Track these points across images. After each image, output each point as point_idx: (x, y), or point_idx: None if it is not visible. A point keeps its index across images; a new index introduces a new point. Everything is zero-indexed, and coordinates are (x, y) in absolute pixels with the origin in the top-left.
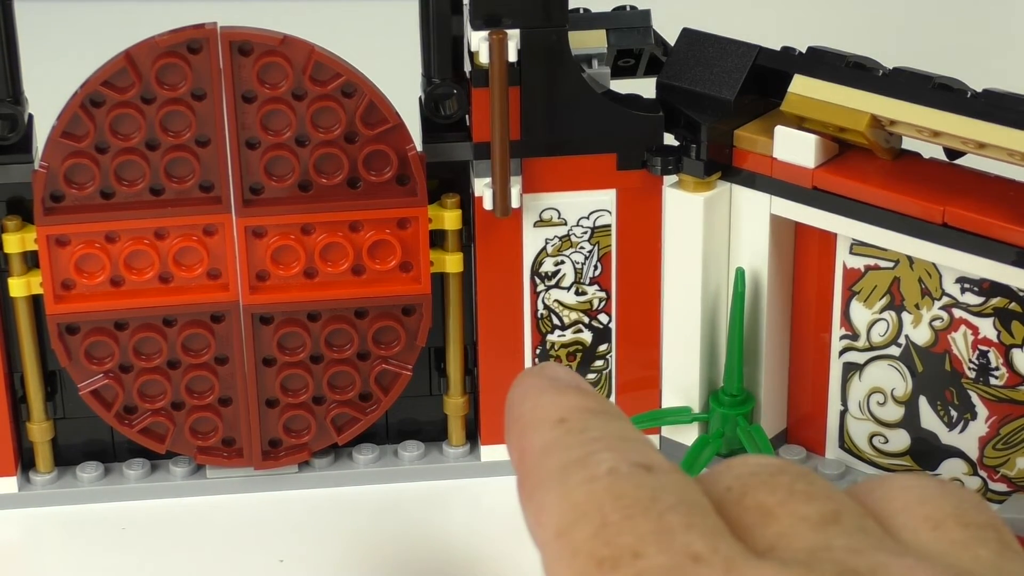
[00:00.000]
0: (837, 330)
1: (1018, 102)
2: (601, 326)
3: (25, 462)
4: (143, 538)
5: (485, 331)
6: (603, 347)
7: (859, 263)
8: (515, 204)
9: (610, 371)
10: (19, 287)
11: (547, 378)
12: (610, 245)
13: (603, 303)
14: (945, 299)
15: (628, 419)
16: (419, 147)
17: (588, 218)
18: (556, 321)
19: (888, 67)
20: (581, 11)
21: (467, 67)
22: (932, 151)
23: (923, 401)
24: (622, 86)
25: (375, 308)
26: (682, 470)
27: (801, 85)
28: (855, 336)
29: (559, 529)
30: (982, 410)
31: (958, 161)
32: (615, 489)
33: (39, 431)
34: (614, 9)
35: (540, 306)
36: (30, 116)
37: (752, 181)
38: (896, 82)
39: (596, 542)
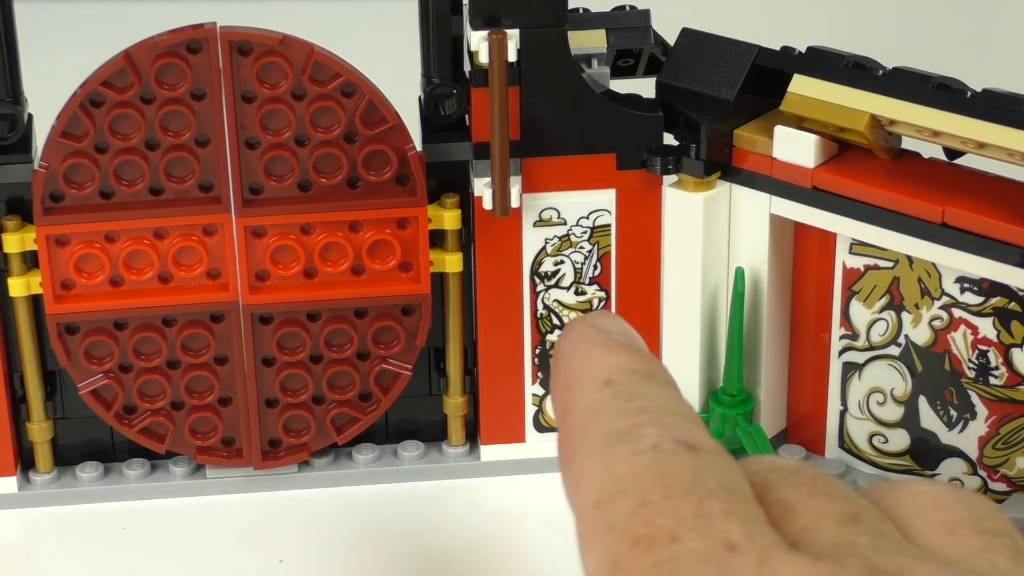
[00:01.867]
0: (837, 330)
1: (1018, 102)
2: None
3: (25, 462)
4: (143, 538)
5: (485, 331)
6: None
7: (859, 263)
8: (515, 204)
9: None
10: (19, 287)
11: (599, 330)
12: (610, 245)
13: (603, 303)
14: (945, 299)
15: (676, 386)
16: (419, 147)
17: (588, 218)
18: (556, 321)
19: (888, 67)
20: (581, 11)
21: (467, 67)
22: (932, 151)
23: (923, 401)
24: (622, 86)
25: (375, 308)
26: (725, 451)
27: (801, 85)
28: (855, 336)
29: (597, 500)
30: (982, 410)
31: (958, 161)
32: (658, 467)
33: (39, 431)
34: (614, 9)
35: (540, 306)
36: (30, 116)
37: (752, 181)
38: (896, 82)
39: (634, 519)
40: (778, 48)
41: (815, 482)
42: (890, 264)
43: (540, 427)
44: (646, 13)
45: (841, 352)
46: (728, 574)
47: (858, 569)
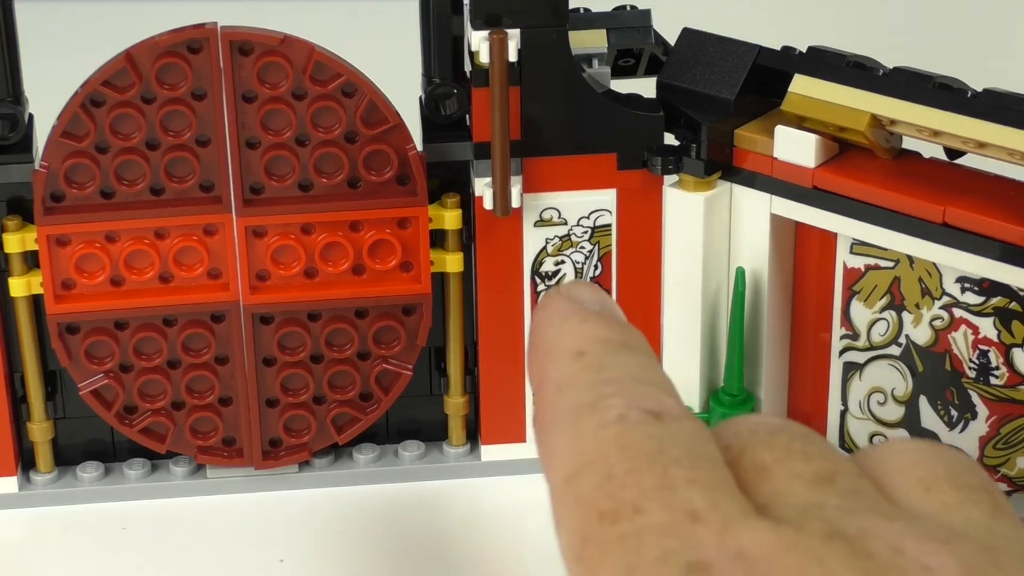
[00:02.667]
0: (837, 330)
1: (1018, 101)
2: None
3: (25, 462)
4: (143, 538)
5: (485, 331)
6: None
7: (859, 263)
8: (515, 204)
9: None
10: (19, 287)
11: (572, 300)
12: (610, 245)
13: None
14: (945, 299)
15: (650, 353)
16: (419, 147)
17: (588, 218)
18: None
19: (888, 67)
20: (581, 11)
21: (467, 67)
22: (932, 151)
23: (923, 401)
24: (622, 86)
25: (375, 308)
26: (694, 417)
27: (801, 85)
28: (855, 336)
29: (567, 475)
30: (982, 410)
31: (958, 161)
32: (622, 439)
33: (39, 431)
34: (614, 9)
35: None
36: (30, 116)
37: (752, 181)
38: (896, 82)
39: (600, 494)
40: (779, 48)
41: (792, 442)
42: (891, 264)
43: None
44: (647, 13)
45: (842, 352)
46: (691, 544)
47: (818, 534)
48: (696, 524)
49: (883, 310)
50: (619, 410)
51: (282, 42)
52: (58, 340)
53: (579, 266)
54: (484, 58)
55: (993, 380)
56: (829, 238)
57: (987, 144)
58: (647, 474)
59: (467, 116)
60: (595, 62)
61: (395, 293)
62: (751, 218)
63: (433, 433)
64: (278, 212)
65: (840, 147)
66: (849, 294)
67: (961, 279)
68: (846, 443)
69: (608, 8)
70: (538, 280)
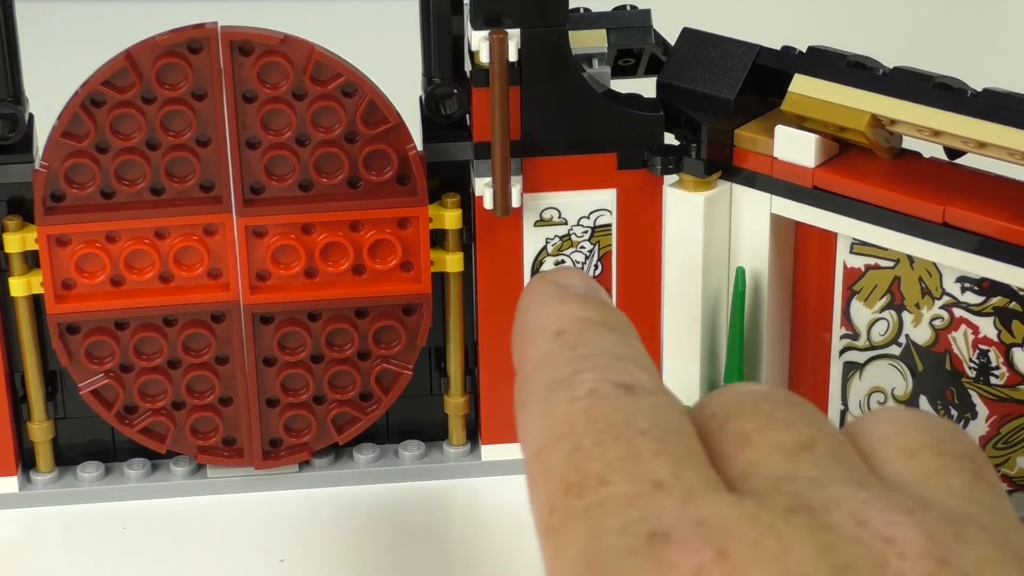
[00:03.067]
0: (837, 329)
1: (1019, 101)
2: None
3: (26, 462)
4: (144, 538)
5: (486, 331)
6: None
7: (859, 262)
8: (515, 204)
9: None
10: (20, 287)
11: (558, 285)
12: (610, 245)
13: None
14: (945, 298)
15: (631, 332)
16: (419, 147)
17: (588, 218)
18: None
19: (888, 66)
20: (581, 11)
21: (467, 67)
22: (932, 150)
23: (923, 401)
24: (622, 86)
25: (375, 308)
26: (668, 390)
27: (801, 84)
28: (855, 335)
29: (538, 449)
30: (982, 409)
31: (958, 160)
32: (591, 412)
33: (40, 431)
34: (614, 9)
35: None
36: (30, 116)
37: (752, 180)
38: (896, 81)
39: (567, 466)
40: (779, 48)
41: (775, 410)
42: (891, 264)
43: None
44: (647, 13)
45: (842, 352)
46: (652, 514)
47: (780, 508)
48: (659, 494)
49: (883, 310)
50: (590, 384)
51: (282, 42)
52: (58, 340)
53: (579, 266)
54: (484, 58)
55: (993, 380)
56: (829, 238)
57: (987, 144)
58: (613, 446)
59: (467, 116)
60: (595, 62)
61: (395, 293)
62: (751, 218)
63: (433, 433)
64: (278, 212)
65: (840, 147)
66: (849, 294)
67: (961, 279)
68: None
69: (608, 8)
70: None
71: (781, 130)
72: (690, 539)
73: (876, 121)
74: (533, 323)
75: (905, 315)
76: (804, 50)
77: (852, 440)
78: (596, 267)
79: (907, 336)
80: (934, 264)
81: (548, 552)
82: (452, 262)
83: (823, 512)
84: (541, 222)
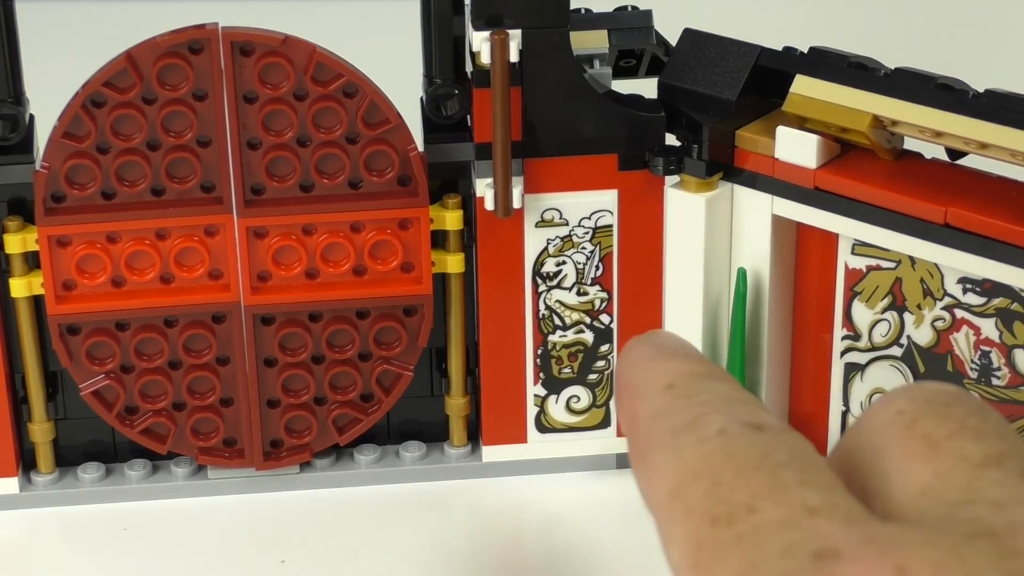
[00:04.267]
0: (839, 331)
1: (1020, 102)
2: (603, 327)
3: (26, 463)
4: (144, 539)
5: (486, 332)
6: (605, 347)
7: (861, 263)
8: (516, 204)
9: (612, 372)
10: (20, 288)
11: (655, 346)
12: (612, 245)
13: (605, 303)
14: (947, 299)
15: (736, 382)
16: (420, 147)
17: (590, 218)
18: (558, 321)
19: (890, 67)
20: (582, 11)
21: (468, 67)
22: (934, 151)
23: None
24: (624, 86)
25: (376, 309)
26: (793, 430)
27: (803, 85)
28: (857, 336)
29: (672, 491)
30: None
31: (960, 161)
32: (726, 448)
33: (40, 432)
34: (615, 9)
35: (542, 306)
36: (31, 116)
37: (754, 181)
38: (898, 82)
39: (710, 500)
40: (780, 48)
41: (968, 417)
42: (892, 265)
43: (542, 428)
44: (648, 13)
45: (843, 353)
46: (815, 535)
47: (960, 534)
48: (816, 518)
49: (885, 311)
50: (718, 424)
51: (283, 43)
52: (59, 341)
53: (580, 267)
54: (485, 58)
55: (995, 381)
56: (831, 239)
57: (989, 145)
58: (756, 477)
59: (468, 117)
60: (596, 63)
61: (396, 294)
62: (752, 219)
63: (434, 434)
64: (279, 213)
65: (842, 148)
66: (851, 295)
67: (963, 280)
68: None
69: (609, 8)
70: (539, 281)
71: (782, 131)
72: (865, 555)
73: (878, 122)
74: (639, 381)
75: (907, 316)
76: (805, 51)
77: None
78: (597, 268)
79: (909, 337)
80: (936, 265)
81: None
82: (453, 263)
83: (1009, 537)
84: (542, 223)
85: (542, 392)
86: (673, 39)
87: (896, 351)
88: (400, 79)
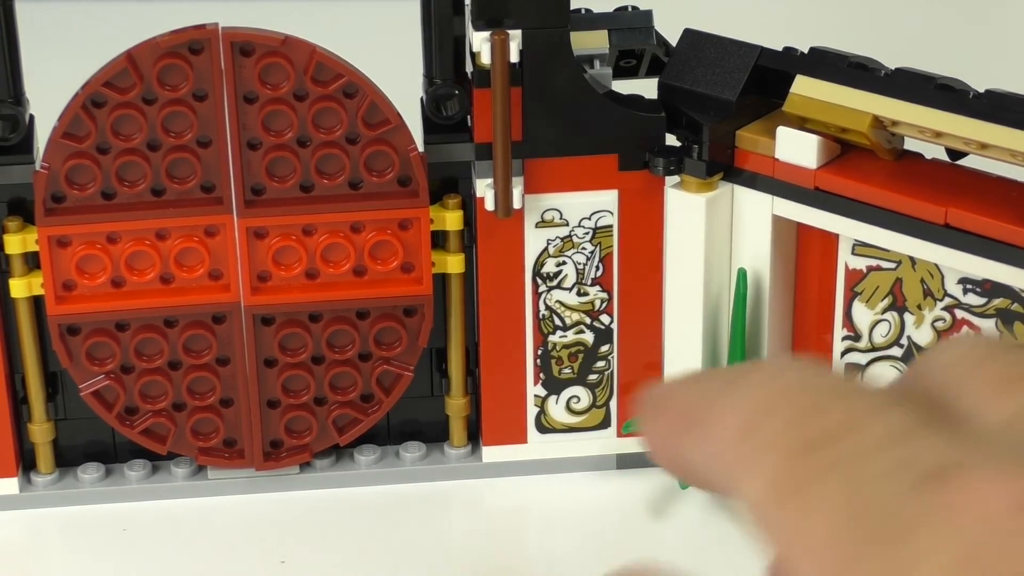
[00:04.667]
0: (839, 331)
1: (1020, 103)
2: (603, 327)
3: (26, 463)
4: (144, 539)
5: (487, 332)
6: (605, 348)
7: (861, 264)
8: (517, 205)
9: (612, 372)
10: (20, 288)
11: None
12: (612, 246)
13: (605, 304)
14: (947, 300)
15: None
16: (420, 148)
17: (590, 219)
18: (558, 322)
19: (890, 67)
20: (583, 11)
21: (469, 68)
22: (934, 152)
23: None
24: (624, 87)
25: (376, 309)
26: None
27: (803, 86)
28: (857, 337)
29: (743, 430)
30: None
31: (960, 162)
32: (800, 381)
33: (40, 432)
34: (616, 9)
35: (542, 307)
36: (31, 117)
37: (754, 182)
38: (898, 83)
39: (794, 429)
40: (780, 49)
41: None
42: (893, 265)
43: (542, 428)
44: (648, 14)
45: (844, 353)
46: (925, 448)
47: None
48: (921, 434)
49: (885, 311)
50: (779, 365)
51: (283, 43)
52: (59, 341)
53: (580, 267)
54: (486, 59)
55: None
56: (831, 239)
57: (989, 145)
58: (839, 403)
59: (468, 117)
60: (596, 63)
61: (396, 294)
62: (753, 219)
63: (434, 434)
64: (279, 213)
65: (842, 148)
66: (851, 295)
67: (963, 280)
68: None
69: (609, 9)
70: (539, 281)
71: (783, 131)
72: (994, 466)
73: (878, 122)
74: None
75: (907, 316)
76: (806, 51)
77: None
78: (597, 268)
79: (909, 337)
80: (936, 265)
81: (788, 523)
82: (453, 263)
83: None
84: (542, 223)
85: (542, 392)
86: (673, 39)
87: (896, 351)
88: (400, 79)
